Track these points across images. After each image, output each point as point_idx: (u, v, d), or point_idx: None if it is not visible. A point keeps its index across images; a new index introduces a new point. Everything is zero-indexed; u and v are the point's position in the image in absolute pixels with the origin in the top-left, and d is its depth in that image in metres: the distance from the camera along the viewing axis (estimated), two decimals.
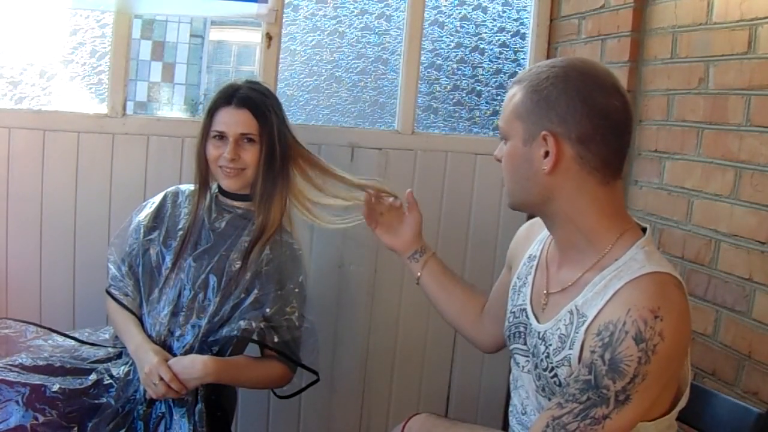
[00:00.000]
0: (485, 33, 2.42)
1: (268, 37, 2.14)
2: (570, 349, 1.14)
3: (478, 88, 2.44)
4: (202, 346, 1.62)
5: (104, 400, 1.57)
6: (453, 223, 2.33)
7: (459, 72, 2.42)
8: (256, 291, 1.66)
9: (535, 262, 1.33)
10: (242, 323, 1.61)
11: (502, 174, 1.24)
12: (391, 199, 1.64)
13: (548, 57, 2.38)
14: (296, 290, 1.69)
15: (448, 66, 2.41)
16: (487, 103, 2.45)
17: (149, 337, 1.64)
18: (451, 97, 2.42)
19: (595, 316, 1.11)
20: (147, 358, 1.56)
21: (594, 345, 1.09)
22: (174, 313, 1.65)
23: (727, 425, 1.33)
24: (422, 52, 2.30)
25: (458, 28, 2.40)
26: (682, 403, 1.19)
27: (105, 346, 1.73)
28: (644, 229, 1.21)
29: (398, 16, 2.31)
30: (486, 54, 2.43)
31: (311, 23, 2.27)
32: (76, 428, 1.51)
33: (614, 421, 1.07)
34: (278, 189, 1.73)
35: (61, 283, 2.03)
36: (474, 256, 2.35)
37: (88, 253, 2.02)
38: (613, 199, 1.19)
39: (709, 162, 1.76)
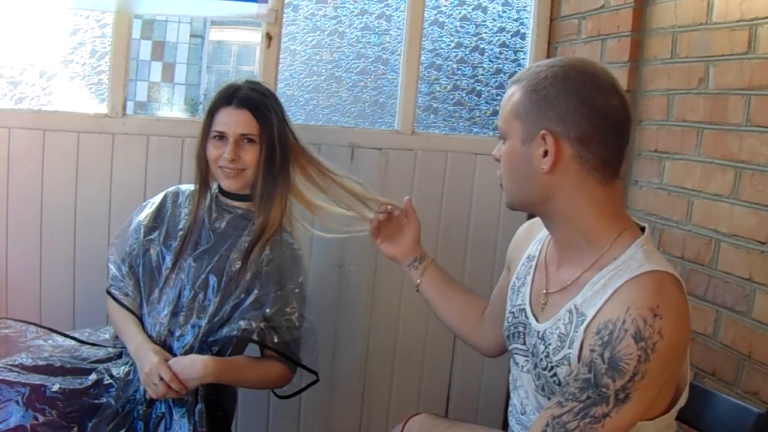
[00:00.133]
0: (485, 33, 2.42)
1: (268, 37, 2.14)
2: (569, 348, 1.15)
3: (478, 88, 2.44)
4: (202, 346, 1.62)
5: (104, 400, 1.57)
6: (453, 223, 2.33)
7: (459, 72, 2.42)
8: (256, 291, 1.66)
9: (534, 262, 1.33)
10: (242, 323, 1.62)
11: (501, 173, 1.24)
12: (396, 213, 1.63)
13: (548, 57, 2.38)
14: (296, 290, 1.69)
15: (448, 66, 2.41)
16: (487, 103, 2.45)
17: (149, 337, 1.64)
18: (451, 97, 2.42)
19: (595, 315, 1.12)
20: (147, 358, 1.56)
21: (593, 344, 1.09)
22: (174, 313, 1.65)
23: (727, 425, 1.33)
24: (422, 52, 2.30)
25: (458, 28, 2.40)
26: (682, 402, 1.20)
27: (105, 346, 1.73)
28: (643, 229, 1.21)
29: (398, 16, 2.31)
30: (486, 54, 2.43)
31: (311, 23, 2.27)
32: (76, 428, 1.51)
33: (614, 420, 1.07)
34: (278, 189, 1.73)
35: (61, 283, 2.03)
36: (474, 256, 2.35)
37: (88, 253, 2.02)
38: (612, 198, 1.19)
39: (709, 162, 1.76)
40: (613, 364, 1.06)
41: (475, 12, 2.41)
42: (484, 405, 2.44)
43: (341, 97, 2.33)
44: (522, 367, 1.30)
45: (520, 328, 1.30)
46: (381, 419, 2.37)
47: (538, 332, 1.23)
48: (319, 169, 1.79)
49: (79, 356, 1.67)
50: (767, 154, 1.60)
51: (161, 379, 1.52)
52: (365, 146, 2.23)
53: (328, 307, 2.23)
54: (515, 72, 2.39)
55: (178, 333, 1.64)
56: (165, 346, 1.63)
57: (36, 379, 1.53)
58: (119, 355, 1.69)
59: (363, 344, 2.32)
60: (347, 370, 2.31)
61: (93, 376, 1.60)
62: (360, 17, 2.30)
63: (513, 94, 1.20)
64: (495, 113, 2.43)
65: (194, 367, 1.55)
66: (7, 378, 1.51)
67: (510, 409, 1.36)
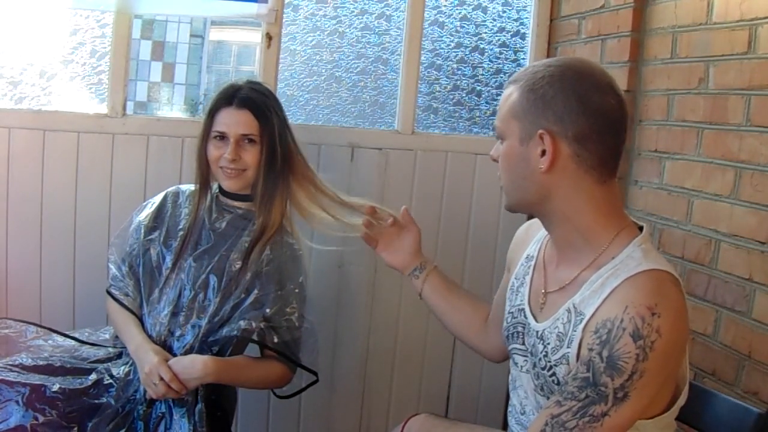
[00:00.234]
0: (485, 33, 2.42)
1: (268, 37, 2.14)
2: (568, 347, 1.15)
3: (478, 88, 2.44)
4: (202, 346, 1.62)
5: (104, 400, 1.57)
6: (453, 223, 2.33)
7: (459, 72, 2.42)
8: (256, 291, 1.66)
9: (532, 262, 1.33)
10: (242, 323, 1.61)
11: (499, 173, 1.24)
12: (389, 221, 1.61)
13: (548, 57, 2.38)
14: (296, 290, 1.69)
15: (448, 66, 2.41)
16: (487, 103, 2.45)
17: (149, 337, 1.64)
18: (451, 97, 2.42)
19: (593, 314, 1.12)
20: (147, 358, 1.56)
21: (592, 343, 1.09)
22: (174, 313, 1.65)
23: (727, 425, 1.33)
24: (422, 52, 2.30)
25: (458, 28, 2.40)
26: (681, 402, 1.20)
27: (105, 346, 1.73)
28: (641, 228, 1.21)
29: (398, 16, 2.31)
30: (486, 54, 2.43)
31: (311, 23, 2.27)
32: (76, 428, 1.51)
33: (613, 419, 1.07)
34: (279, 189, 1.73)
35: (61, 283, 2.03)
36: (474, 257, 2.35)
37: (88, 253, 2.02)
38: (609, 197, 1.19)
39: (709, 162, 1.76)
40: (612, 363, 1.06)
41: (475, 12, 2.41)
42: (484, 405, 2.44)
43: (341, 97, 2.33)
44: (521, 367, 1.30)
45: (519, 328, 1.30)
46: (381, 419, 2.37)
47: (537, 332, 1.23)
48: (312, 182, 1.78)
49: (79, 356, 1.67)
50: (767, 154, 1.60)
51: (161, 379, 1.52)
52: (365, 146, 2.23)
53: (328, 307, 2.23)
54: (515, 72, 2.40)
55: (178, 333, 1.64)
56: (165, 346, 1.63)
57: (36, 379, 1.53)
58: (119, 355, 1.69)
59: (363, 344, 2.32)
60: (347, 370, 2.31)
61: (93, 376, 1.60)
62: (360, 17, 2.31)
63: (510, 94, 1.20)
64: (495, 113, 2.42)
65: (194, 367, 1.55)
66: (7, 378, 1.51)
67: (509, 409, 1.36)
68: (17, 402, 1.48)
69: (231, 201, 1.78)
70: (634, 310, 1.06)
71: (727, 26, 1.71)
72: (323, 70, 2.30)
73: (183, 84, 6.94)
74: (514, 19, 2.43)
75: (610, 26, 2.11)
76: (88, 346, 1.73)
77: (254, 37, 4.58)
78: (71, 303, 2.04)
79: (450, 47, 2.40)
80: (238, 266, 1.68)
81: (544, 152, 1.15)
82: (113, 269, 1.74)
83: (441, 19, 2.38)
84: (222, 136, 1.70)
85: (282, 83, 2.21)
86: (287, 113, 1.80)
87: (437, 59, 2.39)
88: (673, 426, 1.22)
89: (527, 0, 2.42)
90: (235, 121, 1.69)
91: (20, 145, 1.96)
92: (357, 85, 2.33)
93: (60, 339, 1.73)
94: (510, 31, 2.43)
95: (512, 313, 1.33)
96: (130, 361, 1.63)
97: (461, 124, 2.44)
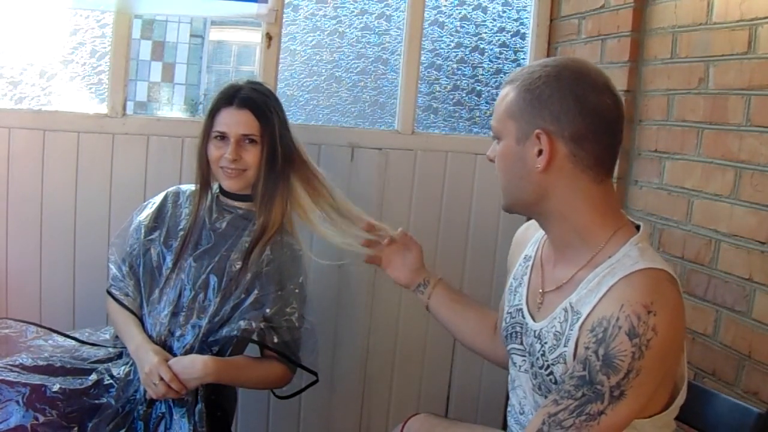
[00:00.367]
0: (485, 33, 2.42)
1: (268, 37, 2.14)
2: (565, 346, 1.15)
3: (478, 88, 2.44)
4: (202, 347, 1.62)
5: (104, 400, 1.57)
6: (453, 223, 2.33)
7: (459, 72, 2.42)
8: (256, 291, 1.66)
9: (530, 262, 1.33)
10: (242, 323, 1.62)
11: (496, 173, 1.25)
12: (386, 241, 1.62)
13: (548, 57, 2.38)
14: (296, 291, 1.69)
15: (448, 66, 2.41)
16: (487, 103, 2.45)
17: (149, 337, 1.64)
18: (451, 97, 2.42)
19: (589, 313, 1.12)
20: (147, 358, 1.56)
21: (588, 341, 1.10)
22: (174, 314, 1.65)
23: (727, 425, 1.33)
24: (422, 52, 2.30)
25: (458, 28, 2.40)
26: (680, 401, 1.20)
27: (105, 346, 1.73)
28: (638, 227, 1.21)
29: (398, 16, 2.31)
30: (486, 54, 2.43)
31: (311, 23, 2.27)
32: (76, 428, 1.51)
33: (609, 417, 1.07)
34: (279, 190, 1.73)
35: (61, 283, 2.03)
36: (474, 257, 2.35)
37: (88, 253, 2.02)
38: (606, 197, 1.19)
39: (709, 162, 1.76)
40: (608, 361, 1.07)
41: (475, 12, 2.41)
42: (484, 405, 2.44)
43: (341, 97, 2.33)
44: (519, 366, 1.30)
45: (518, 328, 1.30)
46: (381, 419, 2.37)
47: (535, 331, 1.23)
48: (316, 189, 1.77)
49: (80, 356, 1.67)
50: (767, 154, 1.60)
51: (161, 379, 1.52)
52: (365, 146, 2.23)
53: (328, 307, 2.23)
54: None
55: (178, 333, 1.64)
56: (165, 346, 1.63)
57: (36, 379, 1.53)
58: (119, 355, 1.69)
59: (363, 344, 2.32)
60: (347, 370, 2.31)
61: (93, 377, 1.60)
62: (360, 17, 2.31)
63: (507, 94, 1.20)
64: None
65: (194, 367, 1.55)
66: (8, 378, 1.51)
67: (509, 409, 1.36)
68: (17, 402, 1.48)
69: (231, 201, 1.78)
70: (629, 309, 1.07)
71: (727, 26, 1.71)
72: (323, 70, 2.30)
73: (183, 84, 6.95)
74: (514, 19, 2.43)
75: (610, 26, 2.11)
76: (89, 346, 1.73)
77: (254, 37, 4.58)
78: (71, 303, 2.04)
79: (450, 47, 2.40)
80: (238, 266, 1.68)
81: (540, 152, 1.16)
82: (113, 269, 1.74)
83: (441, 19, 2.38)
84: (222, 136, 1.70)
85: (282, 83, 2.21)
86: (287, 113, 1.80)
87: (437, 59, 2.39)
88: (672, 425, 1.22)
89: (527, 0, 2.42)
90: (235, 121, 1.69)
91: (20, 145, 1.96)
92: (357, 85, 2.33)
93: (60, 339, 1.73)
94: (510, 31, 2.43)
95: (510, 313, 1.33)
96: (131, 362, 1.63)
97: (461, 124, 2.44)
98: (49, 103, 2.06)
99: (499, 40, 2.43)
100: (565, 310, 1.17)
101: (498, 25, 2.42)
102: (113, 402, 1.57)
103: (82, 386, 1.57)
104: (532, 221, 1.34)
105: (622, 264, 1.13)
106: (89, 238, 2.02)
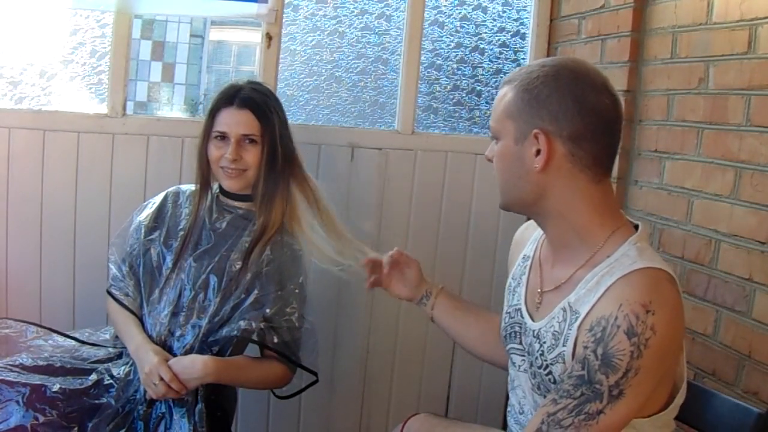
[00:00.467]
0: (485, 33, 2.42)
1: (268, 37, 2.14)
2: (564, 346, 1.15)
3: (478, 88, 2.44)
4: (202, 347, 1.62)
5: (104, 400, 1.57)
6: (453, 223, 2.33)
7: (459, 72, 2.42)
8: (256, 291, 1.66)
9: (529, 262, 1.33)
10: (242, 323, 1.62)
11: (495, 173, 1.25)
12: (385, 271, 1.60)
13: (548, 57, 2.38)
14: (296, 291, 1.69)
15: (448, 66, 2.41)
16: (487, 103, 2.45)
17: (150, 337, 1.64)
18: (451, 97, 2.42)
19: (588, 313, 1.12)
20: (147, 358, 1.56)
21: (587, 340, 1.10)
22: (174, 314, 1.65)
23: (727, 425, 1.33)
24: (422, 52, 2.30)
25: (458, 28, 2.40)
26: (679, 400, 1.20)
27: (105, 346, 1.73)
28: (636, 226, 1.21)
29: (398, 16, 2.31)
30: (486, 54, 2.43)
31: (311, 23, 2.27)
32: (76, 428, 1.51)
33: (608, 416, 1.07)
34: (279, 190, 1.73)
35: (61, 283, 2.03)
36: (474, 257, 2.35)
37: (88, 253, 2.02)
38: (604, 196, 1.19)
39: (709, 162, 1.76)
40: (606, 361, 1.07)
41: (475, 12, 2.41)
42: (484, 405, 2.44)
43: (341, 97, 2.33)
44: (519, 366, 1.30)
45: (517, 328, 1.30)
46: (381, 419, 2.37)
47: (534, 331, 1.23)
48: (312, 191, 1.78)
49: (80, 356, 1.67)
50: (767, 154, 1.60)
51: (161, 379, 1.52)
52: (365, 146, 2.23)
53: (328, 307, 2.23)
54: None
55: (178, 333, 1.64)
56: (165, 346, 1.63)
57: (36, 379, 1.53)
58: (119, 356, 1.69)
59: (363, 344, 2.32)
60: (347, 370, 2.31)
61: (93, 377, 1.60)
62: (360, 17, 2.31)
63: (505, 94, 1.21)
64: None
65: (194, 367, 1.55)
66: (8, 378, 1.51)
67: (509, 409, 1.36)
68: (17, 402, 1.48)
69: (231, 201, 1.78)
70: (628, 308, 1.07)
71: (727, 26, 1.71)
72: (323, 70, 2.31)
73: (183, 84, 6.95)
74: (514, 19, 2.43)
75: (610, 26, 2.11)
76: (89, 346, 1.73)
77: (254, 37, 4.58)
78: (71, 303, 2.04)
79: (450, 47, 2.40)
80: (238, 266, 1.68)
81: (539, 152, 1.16)
82: (113, 269, 1.74)
83: (441, 19, 2.38)
84: (223, 136, 1.70)
85: (282, 83, 2.21)
86: (287, 113, 1.80)
87: (437, 59, 2.39)
88: (672, 425, 1.22)
89: (527, 0, 2.42)
90: (236, 121, 1.69)
91: (20, 145, 1.96)
92: (357, 85, 2.33)
93: (60, 339, 1.73)
94: (510, 31, 2.44)
95: (509, 313, 1.33)
96: (131, 362, 1.63)
97: (461, 124, 2.44)
98: (49, 103, 2.06)
99: (499, 40, 2.43)
100: (564, 310, 1.17)
101: (498, 25, 2.43)
102: (113, 402, 1.57)
103: (82, 386, 1.57)
104: (532, 221, 1.34)
105: (620, 263, 1.13)
106: (89, 238, 2.03)
